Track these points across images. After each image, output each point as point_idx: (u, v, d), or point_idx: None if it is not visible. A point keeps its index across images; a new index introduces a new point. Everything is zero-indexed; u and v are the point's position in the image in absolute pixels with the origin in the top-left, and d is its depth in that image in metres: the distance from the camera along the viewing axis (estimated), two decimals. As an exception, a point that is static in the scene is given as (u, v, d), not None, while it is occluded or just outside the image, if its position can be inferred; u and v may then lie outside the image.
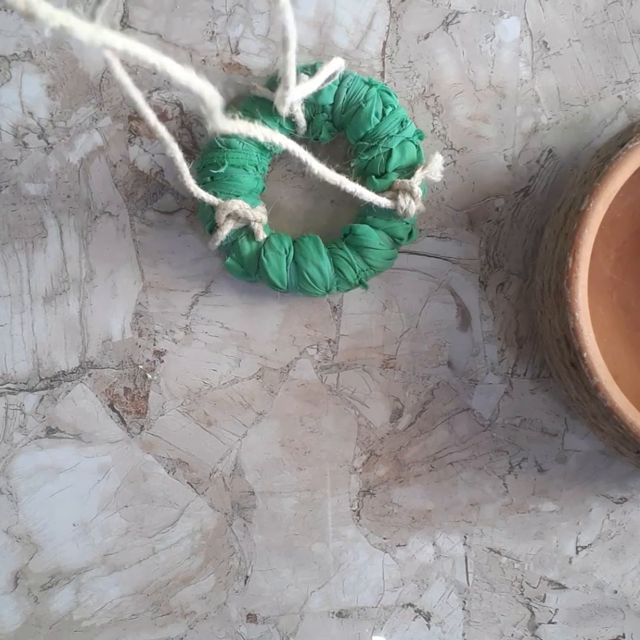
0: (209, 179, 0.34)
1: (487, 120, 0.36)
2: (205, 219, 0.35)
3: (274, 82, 0.34)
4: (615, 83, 0.36)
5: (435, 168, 0.33)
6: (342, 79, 0.33)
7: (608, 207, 0.30)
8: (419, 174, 0.33)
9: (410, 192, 0.33)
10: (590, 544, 0.39)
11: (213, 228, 0.34)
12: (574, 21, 0.35)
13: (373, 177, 0.34)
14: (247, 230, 0.34)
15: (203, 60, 0.35)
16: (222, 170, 0.33)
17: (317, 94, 0.33)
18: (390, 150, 0.33)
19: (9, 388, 0.38)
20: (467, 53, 0.36)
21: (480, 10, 0.35)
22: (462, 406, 0.38)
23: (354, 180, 0.33)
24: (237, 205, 0.33)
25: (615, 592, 0.39)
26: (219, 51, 0.35)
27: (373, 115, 0.33)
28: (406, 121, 0.34)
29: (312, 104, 0.33)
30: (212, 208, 0.33)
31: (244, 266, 0.35)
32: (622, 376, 0.34)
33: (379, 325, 0.37)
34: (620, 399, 0.30)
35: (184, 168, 0.31)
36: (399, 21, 0.35)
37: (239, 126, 0.26)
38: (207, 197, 0.32)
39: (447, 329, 0.37)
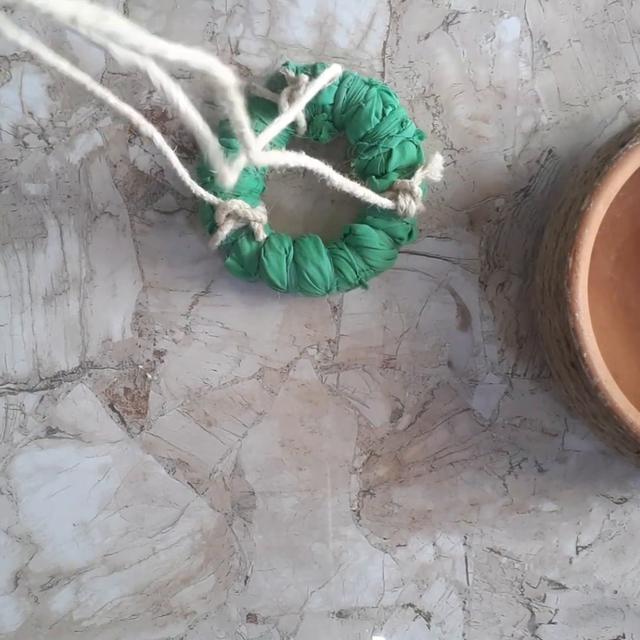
0: (209, 179, 0.34)
1: (487, 120, 0.36)
2: (205, 219, 0.35)
3: (274, 82, 0.34)
4: (615, 83, 0.36)
5: (435, 168, 0.33)
6: (342, 79, 0.33)
7: (608, 207, 0.30)
8: (419, 174, 0.33)
9: (411, 192, 0.33)
10: (591, 544, 0.39)
11: (213, 228, 0.34)
12: (574, 21, 0.35)
13: (373, 177, 0.34)
14: (247, 230, 0.34)
15: (203, 60, 0.35)
16: None
17: (317, 94, 0.33)
18: (391, 150, 0.33)
19: (9, 388, 0.38)
20: (467, 53, 0.36)
21: (480, 10, 0.35)
22: (462, 406, 0.38)
23: (353, 180, 0.33)
24: (237, 205, 0.33)
25: (615, 592, 0.39)
26: (219, 51, 0.35)
27: (373, 115, 0.33)
28: (406, 121, 0.34)
29: (312, 104, 0.33)
30: (212, 208, 0.33)
31: (244, 266, 0.35)
32: (622, 376, 0.34)
33: (379, 325, 0.37)
34: (620, 399, 0.30)
35: (176, 162, 0.31)
36: (399, 21, 0.35)
37: (274, 157, 0.26)
38: (207, 195, 0.32)
39: (447, 329, 0.37)
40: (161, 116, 0.36)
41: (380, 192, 0.33)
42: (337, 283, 0.35)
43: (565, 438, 0.38)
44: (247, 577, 0.39)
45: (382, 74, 0.36)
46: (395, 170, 0.34)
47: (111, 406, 0.38)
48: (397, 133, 0.33)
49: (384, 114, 0.33)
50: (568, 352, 0.31)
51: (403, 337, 0.38)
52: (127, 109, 0.28)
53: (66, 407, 0.38)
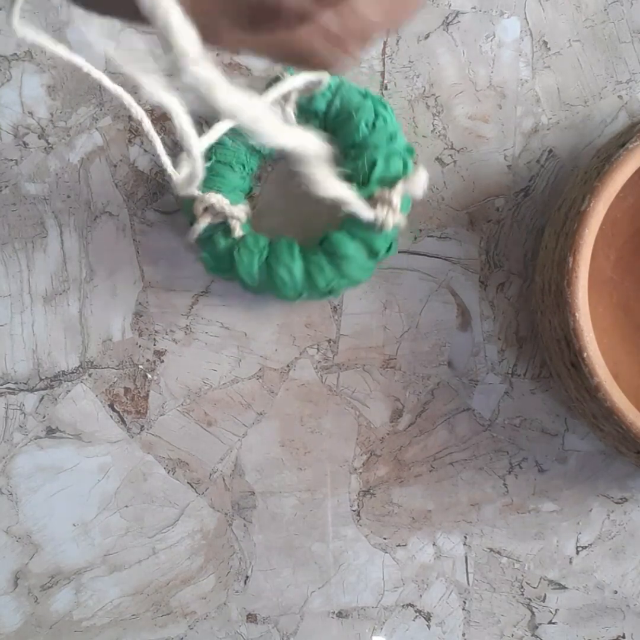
0: None
1: (487, 120, 0.36)
2: (186, 210, 0.35)
3: (272, 85, 0.34)
4: (615, 83, 0.36)
5: (417, 183, 0.32)
6: (338, 87, 0.33)
7: (608, 207, 0.30)
8: (399, 186, 0.32)
9: (389, 203, 0.32)
10: (591, 544, 0.39)
11: (193, 221, 0.34)
12: (574, 21, 0.35)
13: (355, 185, 0.33)
14: (224, 226, 0.34)
15: (203, 60, 0.35)
16: (208, 164, 0.33)
17: (311, 100, 0.33)
18: (375, 161, 0.33)
19: (9, 388, 0.38)
20: (467, 53, 0.36)
21: (480, 10, 0.35)
22: (462, 406, 0.38)
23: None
24: (215, 199, 0.33)
25: (615, 592, 0.39)
26: (219, 51, 0.35)
27: (362, 124, 0.33)
28: (396, 135, 0.33)
29: (305, 109, 0.33)
30: (193, 199, 0.33)
31: (218, 261, 0.35)
32: (622, 376, 0.34)
33: (379, 325, 0.37)
34: (620, 399, 0.30)
35: (161, 149, 0.31)
36: (399, 21, 0.35)
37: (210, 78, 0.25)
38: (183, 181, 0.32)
39: (447, 329, 0.37)
40: (161, 116, 0.36)
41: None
42: (308, 288, 0.34)
43: (565, 438, 0.38)
44: (247, 577, 0.39)
45: (382, 74, 0.36)
46: (379, 182, 0.33)
47: (111, 406, 0.38)
48: (386, 145, 0.33)
49: (374, 126, 0.33)
50: (568, 352, 0.31)
51: (403, 337, 0.38)
52: (119, 91, 0.28)
53: (66, 407, 0.38)
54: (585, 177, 0.32)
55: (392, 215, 0.32)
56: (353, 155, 0.33)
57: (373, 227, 0.33)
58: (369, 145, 0.33)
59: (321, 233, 0.36)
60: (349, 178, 0.34)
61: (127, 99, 0.29)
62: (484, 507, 0.39)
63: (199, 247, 0.36)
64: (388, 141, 0.33)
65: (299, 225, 0.37)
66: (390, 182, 0.33)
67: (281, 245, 0.34)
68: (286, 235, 0.36)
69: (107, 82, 0.28)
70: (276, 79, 0.33)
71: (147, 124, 0.30)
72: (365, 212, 0.32)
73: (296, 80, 0.32)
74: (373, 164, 0.33)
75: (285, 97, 0.32)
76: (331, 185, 0.29)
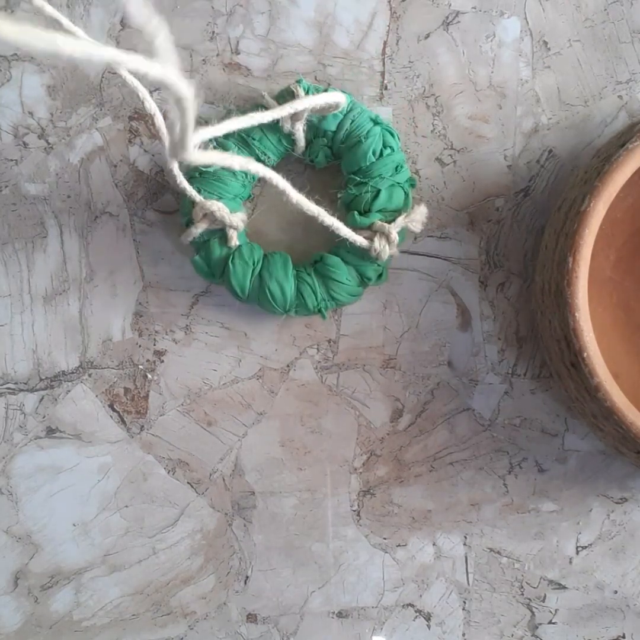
0: (197, 174, 0.33)
1: (487, 120, 0.36)
2: (184, 211, 0.34)
3: (283, 96, 0.34)
4: (615, 83, 0.36)
5: (417, 219, 0.33)
6: (349, 109, 0.33)
7: (608, 207, 0.30)
8: (399, 221, 0.33)
9: (387, 237, 0.33)
10: (591, 544, 0.39)
11: (189, 223, 0.34)
12: (574, 21, 0.35)
13: (356, 212, 0.34)
14: (221, 233, 0.34)
15: (203, 60, 0.35)
16: (211, 169, 0.33)
17: (321, 118, 0.33)
18: (378, 191, 0.33)
19: (9, 388, 0.38)
20: (467, 53, 0.36)
21: (480, 10, 0.35)
22: (462, 406, 0.38)
23: (338, 211, 0.33)
24: (216, 206, 0.32)
25: (615, 592, 0.39)
26: (219, 51, 0.35)
27: (370, 152, 0.33)
28: (402, 166, 0.34)
29: (315, 126, 0.33)
30: (193, 203, 0.33)
31: (211, 268, 0.35)
32: (622, 376, 0.34)
33: (379, 325, 0.37)
34: (620, 399, 0.30)
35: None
36: (399, 21, 0.35)
37: (211, 156, 0.25)
38: (190, 190, 0.32)
39: (447, 329, 0.37)
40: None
41: (359, 229, 0.33)
42: (297, 306, 0.35)
43: (565, 438, 0.38)
44: (247, 577, 0.39)
45: (382, 74, 0.36)
46: (379, 211, 0.33)
47: (111, 406, 0.38)
48: (390, 176, 0.33)
49: (381, 154, 0.33)
50: (568, 352, 0.31)
51: (403, 337, 0.38)
52: (135, 82, 0.28)
53: (66, 407, 0.38)
54: (585, 177, 0.32)
55: (388, 248, 0.33)
56: (356, 182, 0.33)
57: (367, 255, 0.34)
58: (374, 174, 0.33)
59: (317, 241, 0.36)
60: (349, 204, 0.34)
61: (143, 91, 0.29)
62: (484, 507, 0.39)
63: (191, 250, 0.36)
64: (393, 172, 0.33)
65: (296, 231, 0.37)
66: (391, 213, 0.34)
67: (276, 260, 0.34)
68: (283, 237, 0.36)
69: (124, 71, 0.28)
70: (289, 92, 0.33)
71: (159, 119, 0.30)
72: (361, 241, 0.33)
73: (313, 100, 0.32)
74: (376, 194, 0.33)
75: (297, 114, 0.32)
76: (315, 210, 0.31)
